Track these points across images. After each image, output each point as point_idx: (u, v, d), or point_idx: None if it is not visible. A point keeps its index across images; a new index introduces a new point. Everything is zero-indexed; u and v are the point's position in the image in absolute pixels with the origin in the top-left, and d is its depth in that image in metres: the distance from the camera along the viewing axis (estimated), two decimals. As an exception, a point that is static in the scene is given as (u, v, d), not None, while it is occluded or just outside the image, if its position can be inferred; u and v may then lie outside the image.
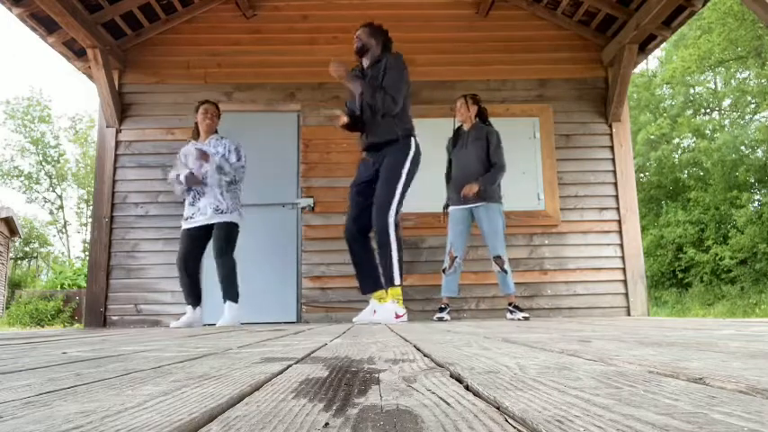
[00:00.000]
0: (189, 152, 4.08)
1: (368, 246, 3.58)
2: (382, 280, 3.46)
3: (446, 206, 4.29)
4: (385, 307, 3.39)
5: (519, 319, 3.89)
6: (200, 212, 4.00)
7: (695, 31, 17.37)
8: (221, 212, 4.00)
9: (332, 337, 1.74)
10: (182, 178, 3.97)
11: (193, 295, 4.02)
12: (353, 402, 0.54)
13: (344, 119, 3.52)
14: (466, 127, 4.25)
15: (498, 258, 4.03)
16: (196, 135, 4.18)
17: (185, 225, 4.04)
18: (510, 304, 4.12)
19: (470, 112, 4.20)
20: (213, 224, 3.99)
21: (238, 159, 4.08)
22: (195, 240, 4.02)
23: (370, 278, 3.55)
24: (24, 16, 4.50)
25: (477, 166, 4.09)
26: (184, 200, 4.12)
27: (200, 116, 4.12)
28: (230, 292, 3.95)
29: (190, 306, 4.02)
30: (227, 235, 3.99)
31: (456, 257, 4.10)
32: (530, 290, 5.08)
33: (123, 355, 1.21)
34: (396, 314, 3.41)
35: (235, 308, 3.94)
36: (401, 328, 2.54)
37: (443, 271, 4.14)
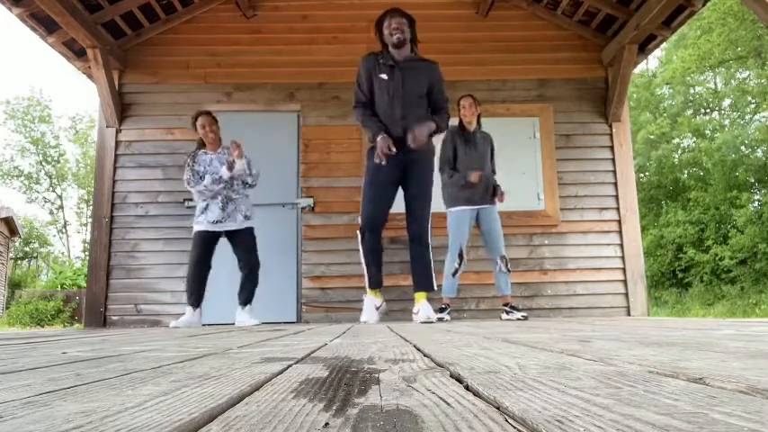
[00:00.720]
0: (209, 161, 4.09)
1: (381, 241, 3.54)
2: (427, 282, 3.46)
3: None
4: (425, 304, 3.39)
5: (518, 319, 3.89)
6: (231, 218, 4.07)
7: (695, 31, 17.38)
8: (249, 219, 4.16)
9: (332, 337, 1.74)
10: (224, 174, 3.99)
11: (200, 297, 4.06)
12: (353, 402, 0.54)
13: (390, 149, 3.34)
14: (469, 127, 4.25)
15: (503, 258, 4.08)
16: (202, 145, 4.19)
17: (213, 228, 4.04)
18: (506, 305, 4.13)
19: (476, 113, 4.23)
20: (238, 229, 4.09)
21: (250, 167, 4.14)
22: (212, 243, 4.09)
23: (381, 274, 3.53)
24: (24, 16, 4.50)
25: (488, 167, 4.20)
26: (204, 202, 4.08)
27: (200, 131, 4.11)
28: (252, 295, 4.14)
29: (191, 307, 4.03)
30: (254, 238, 4.15)
31: (464, 258, 4.13)
32: (530, 290, 5.08)
33: (123, 355, 1.21)
34: (375, 306, 3.49)
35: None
36: (401, 328, 2.54)
37: (453, 274, 4.13)
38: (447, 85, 5.24)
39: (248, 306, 4.11)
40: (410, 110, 3.40)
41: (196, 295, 4.03)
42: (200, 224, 4.06)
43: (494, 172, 4.28)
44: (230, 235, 4.11)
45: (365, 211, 3.44)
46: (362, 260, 3.50)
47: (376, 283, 3.51)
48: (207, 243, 4.05)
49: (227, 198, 4.07)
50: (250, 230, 4.14)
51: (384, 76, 3.42)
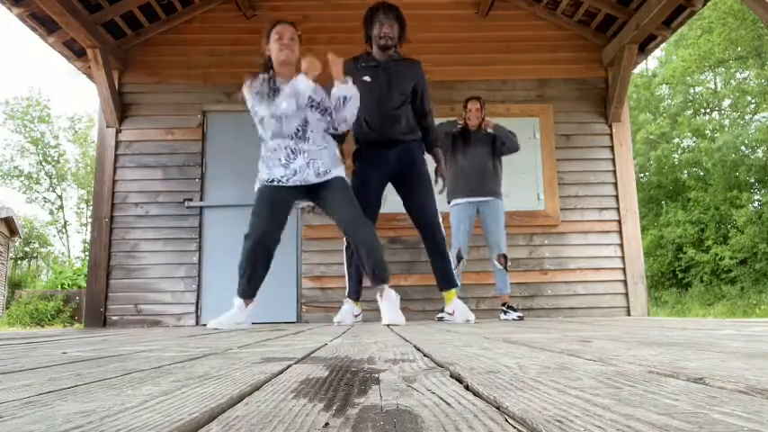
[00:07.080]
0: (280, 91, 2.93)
1: None
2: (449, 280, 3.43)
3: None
4: (460, 304, 3.41)
5: (513, 319, 3.90)
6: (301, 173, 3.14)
7: (695, 30, 17.38)
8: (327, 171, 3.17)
9: (332, 337, 1.74)
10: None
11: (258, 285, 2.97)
12: (353, 402, 0.54)
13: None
14: (472, 128, 4.24)
15: (503, 257, 4.06)
16: (266, 70, 3.00)
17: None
18: (504, 304, 4.13)
19: (481, 117, 4.22)
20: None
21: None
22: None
23: (361, 286, 3.50)
24: (24, 16, 4.50)
25: (490, 162, 4.18)
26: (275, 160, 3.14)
27: (274, 45, 2.95)
28: None
29: (242, 300, 2.92)
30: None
31: (463, 258, 4.11)
32: (530, 290, 5.07)
33: (123, 355, 1.21)
34: (353, 314, 3.44)
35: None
36: (401, 328, 2.54)
37: None
38: (447, 86, 5.30)
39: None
40: (396, 110, 3.34)
41: (255, 281, 2.96)
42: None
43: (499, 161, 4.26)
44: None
45: None
46: (345, 270, 3.49)
47: (355, 295, 3.48)
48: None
49: (293, 152, 3.07)
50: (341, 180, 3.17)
51: (367, 78, 3.31)
